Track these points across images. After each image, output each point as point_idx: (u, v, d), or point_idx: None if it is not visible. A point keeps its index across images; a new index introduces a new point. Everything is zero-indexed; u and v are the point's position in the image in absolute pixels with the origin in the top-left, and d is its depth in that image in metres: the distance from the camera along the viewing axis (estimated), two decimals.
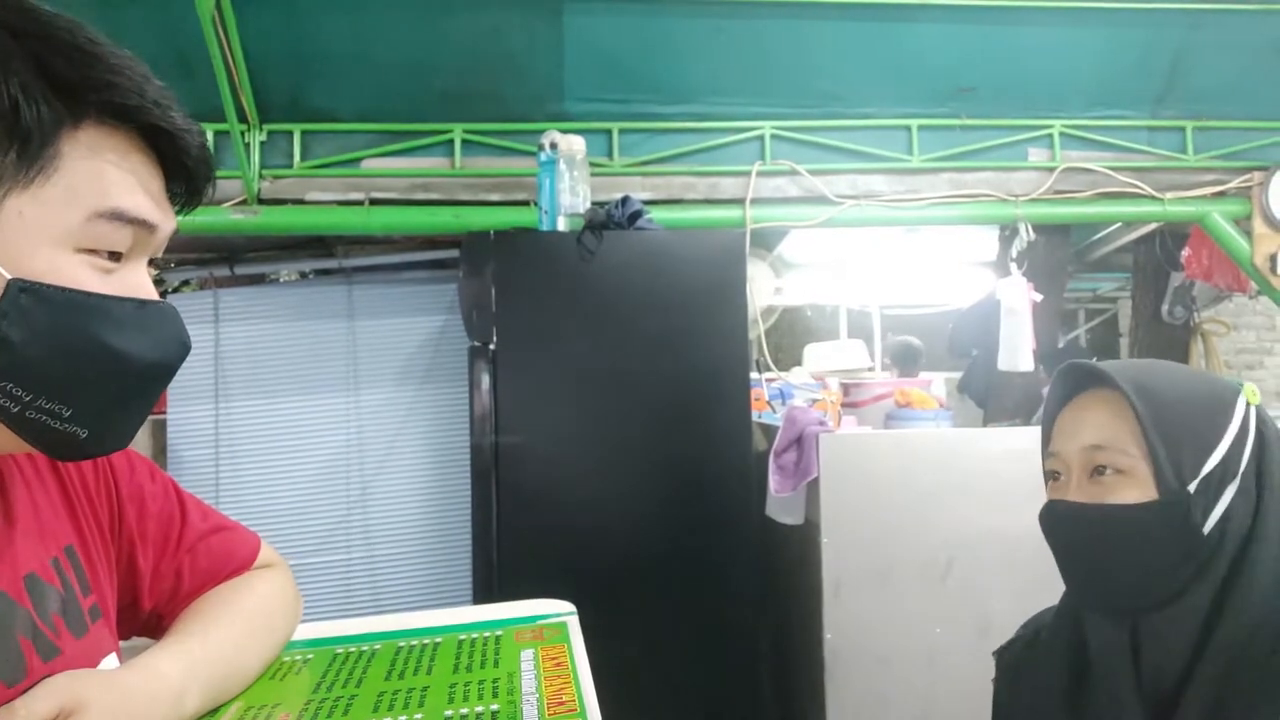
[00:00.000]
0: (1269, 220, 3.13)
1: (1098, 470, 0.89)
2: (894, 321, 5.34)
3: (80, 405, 0.64)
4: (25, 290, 0.60)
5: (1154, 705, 0.86)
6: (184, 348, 0.71)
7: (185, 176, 0.71)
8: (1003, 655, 1.09)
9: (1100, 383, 0.92)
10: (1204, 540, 0.84)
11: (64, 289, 0.62)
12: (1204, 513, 0.84)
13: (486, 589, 2.25)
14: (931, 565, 2.32)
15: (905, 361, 4.39)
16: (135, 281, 0.67)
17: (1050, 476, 0.97)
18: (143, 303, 0.67)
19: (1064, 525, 0.92)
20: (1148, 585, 0.86)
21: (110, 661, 0.75)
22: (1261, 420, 0.88)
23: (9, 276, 0.60)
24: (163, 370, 0.69)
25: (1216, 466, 0.85)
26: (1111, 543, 0.87)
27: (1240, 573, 0.83)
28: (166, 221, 0.69)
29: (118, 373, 0.65)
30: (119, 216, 0.65)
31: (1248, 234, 3.18)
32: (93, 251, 0.64)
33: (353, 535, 3.21)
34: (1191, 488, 0.84)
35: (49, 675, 0.64)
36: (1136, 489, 0.86)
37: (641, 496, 2.30)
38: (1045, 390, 0.97)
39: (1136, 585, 0.87)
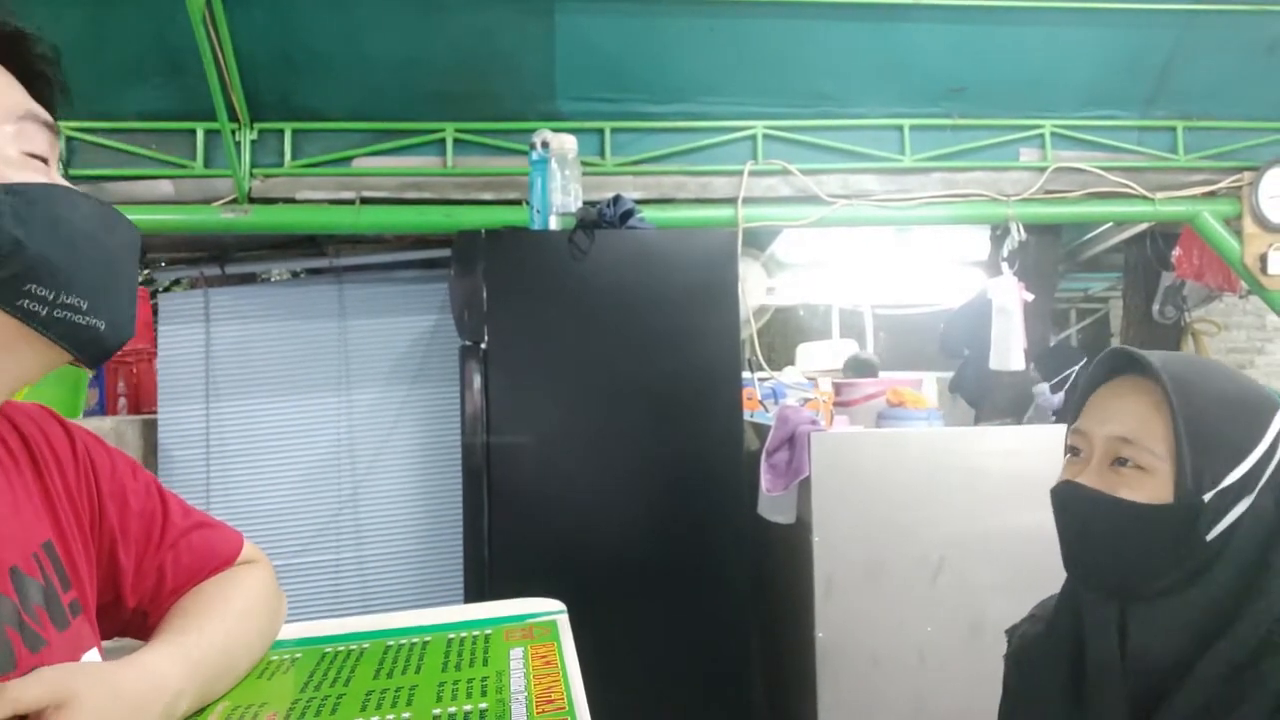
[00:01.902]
0: (1259, 220, 3.14)
1: (1120, 460, 0.89)
2: (886, 321, 5.35)
3: (93, 294, 0.67)
4: (9, 192, 0.63)
5: (1140, 689, 0.87)
6: (134, 226, 0.74)
7: (40, 84, 0.73)
8: (1012, 634, 1.10)
9: (1142, 371, 0.91)
10: (1205, 547, 0.84)
11: (41, 184, 0.66)
12: (1211, 521, 0.84)
13: (478, 588, 2.25)
14: (923, 564, 2.32)
15: (862, 374, 4.33)
16: (63, 181, 0.70)
17: (1070, 450, 0.96)
18: (85, 193, 0.70)
19: (1074, 507, 0.92)
20: (1139, 577, 0.87)
21: (92, 656, 0.75)
22: None
23: None
24: (134, 247, 0.73)
25: (1237, 480, 0.84)
26: (1115, 534, 0.88)
27: (1253, 591, 0.83)
28: (57, 126, 0.73)
29: (107, 254, 0.69)
30: (37, 118, 0.69)
31: (1238, 234, 3.19)
32: (30, 155, 0.68)
33: (343, 535, 3.20)
34: (1207, 497, 0.84)
35: (38, 666, 0.64)
36: (1153, 489, 0.86)
37: (633, 496, 2.30)
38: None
39: (1128, 574, 0.88)
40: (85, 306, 0.67)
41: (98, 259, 0.68)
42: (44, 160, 0.69)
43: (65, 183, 0.70)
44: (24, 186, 0.64)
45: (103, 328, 0.69)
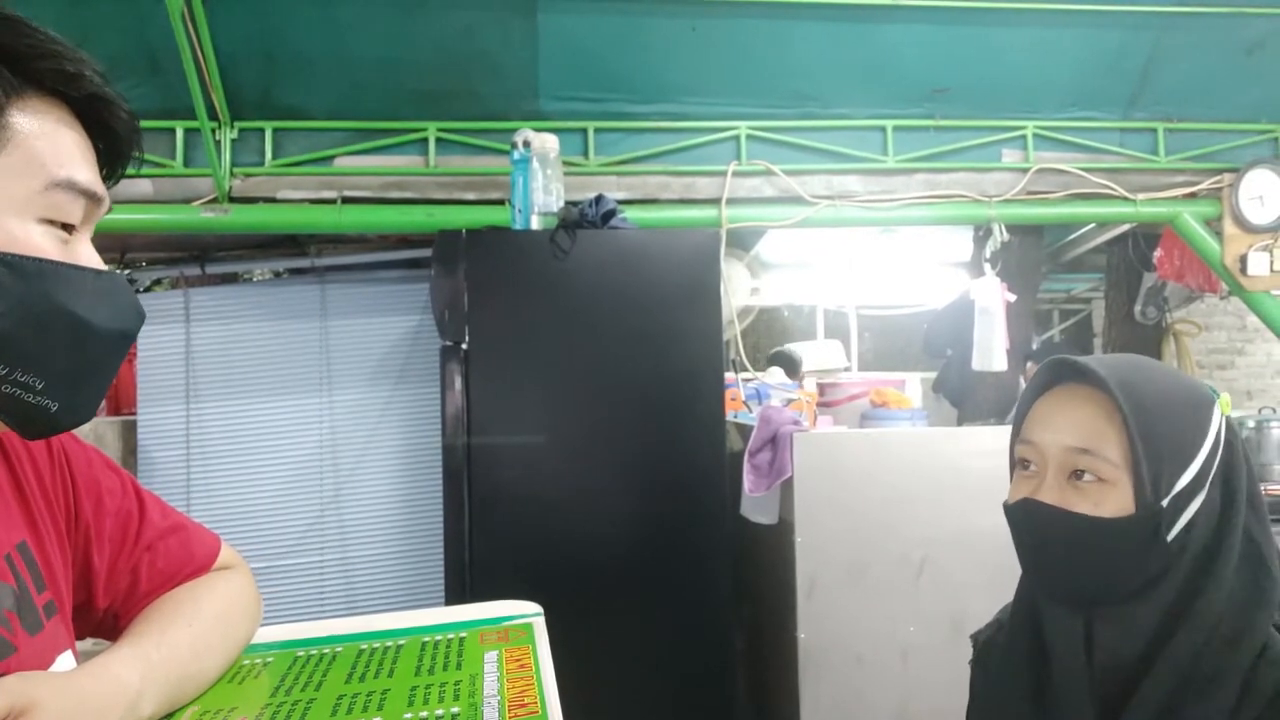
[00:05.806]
0: (1239, 221, 3.17)
1: (1077, 474, 0.88)
2: (870, 321, 5.37)
3: (53, 377, 0.64)
4: (1, 262, 0.61)
5: (1107, 693, 0.87)
6: (140, 316, 0.72)
7: (113, 150, 0.72)
8: (977, 639, 1.10)
9: (1086, 379, 0.90)
10: (1165, 548, 0.85)
11: (36, 259, 0.63)
12: (1169, 524, 0.84)
13: (459, 590, 2.23)
14: (905, 564, 2.32)
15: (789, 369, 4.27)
16: (87, 254, 0.68)
17: (1019, 464, 0.94)
18: (99, 272, 0.68)
19: (1035, 525, 0.91)
20: (1107, 586, 0.87)
21: (66, 658, 0.74)
22: (1231, 432, 0.88)
23: None
24: (125, 339, 0.71)
25: (1190, 481, 0.85)
26: (1080, 549, 0.87)
27: (1205, 581, 0.84)
28: (106, 196, 0.70)
29: (86, 342, 0.66)
30: (74, 187, 0.66)
31: (1218, 235, 3.21)
32: (50, 222, 0.65)
33: (326, 537, 3.18)
34: (1165, 502, 0.84)
35: (3, 674, 0.63)
36: (1114, 501, 0.86)
37: (615, 496, 2.29)
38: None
39: (1096, 585, 0.88)
40: (40, 386, 0.64)
41: (76, 344, 0.65)
42: (69, 227, 0.66)
43: (89, 253, 0.68)
44: (14, 257, 0.62)
45: (54, 409, 0.66)
